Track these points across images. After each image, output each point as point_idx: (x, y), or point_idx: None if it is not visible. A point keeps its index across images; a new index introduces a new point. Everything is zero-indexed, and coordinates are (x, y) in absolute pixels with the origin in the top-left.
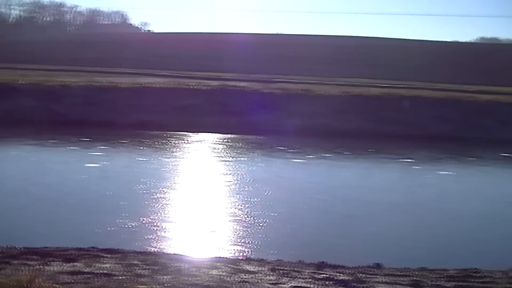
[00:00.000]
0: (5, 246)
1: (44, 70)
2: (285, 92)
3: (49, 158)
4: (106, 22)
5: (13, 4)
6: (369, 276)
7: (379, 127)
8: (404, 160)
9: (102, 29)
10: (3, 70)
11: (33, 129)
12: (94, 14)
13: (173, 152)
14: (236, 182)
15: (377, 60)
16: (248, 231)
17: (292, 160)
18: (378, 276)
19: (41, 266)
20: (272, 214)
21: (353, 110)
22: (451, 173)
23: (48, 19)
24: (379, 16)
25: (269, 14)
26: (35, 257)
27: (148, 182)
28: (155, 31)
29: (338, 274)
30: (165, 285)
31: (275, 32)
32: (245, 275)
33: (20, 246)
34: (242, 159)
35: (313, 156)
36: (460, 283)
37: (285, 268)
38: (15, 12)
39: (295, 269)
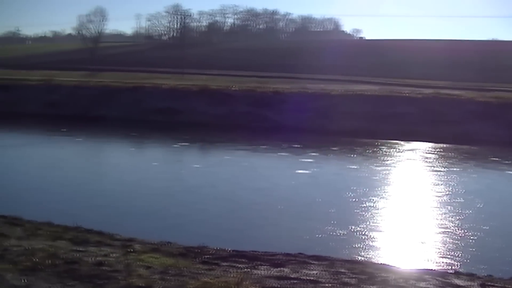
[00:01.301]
0: (215, 248)
1: (257, 77)
2: (501, 101)
3: (260, 164)
4: (318, 29)
5: (228, 13)
6: None
7: None
8: None
9: (314, 36)
10: (217, 76)
11: (245, 134)
12: (306, 21)
13: (384, 160)
14: (447, 193)
15: None
16: (457, 243)
17: (507, 172)
18: None
19: (248, 270)
20: (484, 227)
21: None
22: None
23: (261, 26)
24: None
25: (485, 20)
26: (243, 260)
27: (357, 190)
28: (367, 38)
29: None
30: None
31: (490, 39)
32: None
33: (230, 249)
34: (454, 169)
35: None
36: None
37: (496, 285)
38: (229, 20)
39: (507, 286)
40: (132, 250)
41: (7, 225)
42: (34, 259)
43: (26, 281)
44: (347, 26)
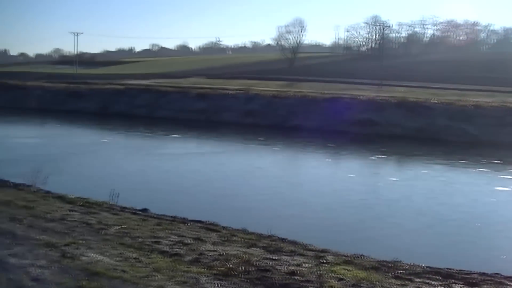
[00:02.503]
0: (409, 263)
1: (456, 90)
2: None
3: (458, 179)
4: None
5: (427, 24)
6: None
7: None
8: None
9: None
10: (416, 88)
11: (443, 148)
12: (509, 32)
13: None
14: None
15: None
16: None
17: None
18: None
19: (442, 287)
20: None
21: None
22: None
23: (461, 38)
24: None
25: None
26: (437, 277)
27: None
28: None
29: None
30: None
31: None
32: None
33: (424, 265)
34: None
35: None
36: None
37: None
38: (429, 32)
39: None
40: (325, 261)
41: (204, 230)
42: (228, 265)
43: (219, 285)
44: None
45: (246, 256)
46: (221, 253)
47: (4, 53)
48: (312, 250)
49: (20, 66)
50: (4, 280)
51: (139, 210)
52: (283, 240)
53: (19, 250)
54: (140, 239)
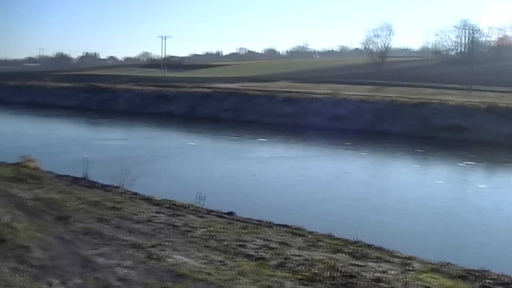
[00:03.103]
0: (497, 273)
1: None
2: None
3: None
4: None
5: None
6: None
7: None
8: None
9: None
10: (506, 93)
11: None
12: None
13: None
14: None
15: None
16: None
17: None
18: None
19: None
20: None
21: None
22: None
23: None
24: None
25: None
26: None
27: None
28: None
29: None
30: None
31: None
32: None
33: None
34: None
35: None
36: None
37: None
38: None
39: None
40: (411, 268)
41: (289, 234)
42: (313, 270)
43: None
44: None
45: (332, 261)
46: (307, 258)
47: (94, 56)
48: (398, 257)
49: (110, 69)
50: (91, 279)
51: (225, 213)
52: (369, 246)
53: (106, 250)
54: (225, 242)
